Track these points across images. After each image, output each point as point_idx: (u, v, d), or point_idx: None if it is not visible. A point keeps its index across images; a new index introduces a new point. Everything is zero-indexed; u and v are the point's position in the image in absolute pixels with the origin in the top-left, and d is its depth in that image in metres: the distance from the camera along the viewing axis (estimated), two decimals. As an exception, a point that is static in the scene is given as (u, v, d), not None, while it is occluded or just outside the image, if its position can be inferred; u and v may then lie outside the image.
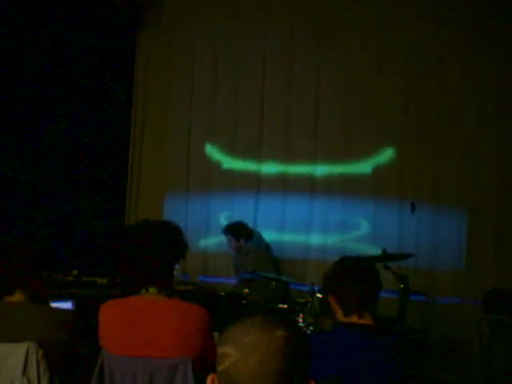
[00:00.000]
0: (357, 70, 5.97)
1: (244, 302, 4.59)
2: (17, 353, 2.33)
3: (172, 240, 2.50)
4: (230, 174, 6.47)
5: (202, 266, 6.46)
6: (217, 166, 6.57)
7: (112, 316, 2.46)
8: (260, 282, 5.28)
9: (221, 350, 1.28)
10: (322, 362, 2.18)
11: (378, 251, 4.82)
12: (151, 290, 2.46)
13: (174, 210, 6.58)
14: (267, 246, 5.92)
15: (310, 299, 4.32)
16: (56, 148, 6.34)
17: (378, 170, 5.89)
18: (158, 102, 6.85)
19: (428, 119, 5.72)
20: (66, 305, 3.15)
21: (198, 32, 6.67)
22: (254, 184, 6.34)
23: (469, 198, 5.55)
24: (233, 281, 5.95)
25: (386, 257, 4.58)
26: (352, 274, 2.34)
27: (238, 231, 5.76)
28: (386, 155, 5.88)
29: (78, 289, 4.92)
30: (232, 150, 6.47)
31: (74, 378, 2.49)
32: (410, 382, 2.20)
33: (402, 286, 4.50)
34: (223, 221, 6.32)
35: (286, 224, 6.18)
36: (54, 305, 2.79)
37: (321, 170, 6.12)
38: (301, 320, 4.14)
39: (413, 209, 4.97)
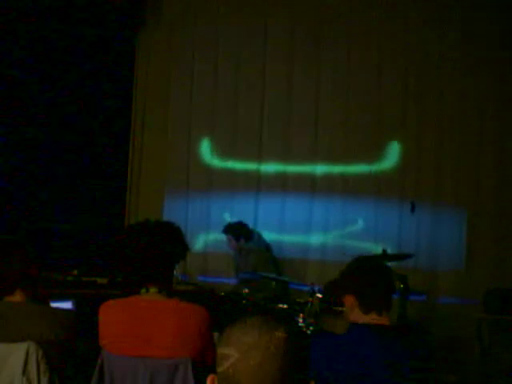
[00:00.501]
0: (357, 69, 5.97)
1: (244, 301, 4.59)
2: (17, 353, 2.33)
3: (172, 240, 2.50)
4: (230, 173, 6.47)
5: (201, 266, 6.46)
6: (217, 165, 6.56)
7: (112, 316, 2.46)
8: (260, 281, 5.28)
9: (221, 350, 1.28)
10: (340, 364, 2.18)
11: (378, 251, 4.82)
12: (151, 290, 2.46)
13: (174, 210, 6.57)
14: (267, 246, 5.92)
15: (310, 299, 4.32)
16: (56, 148, 6.34)
17: (377, 170, 5.89)
18: (157, 101, 6.85)
19: (428, 119, 5.72)
20: (66, 305, 3.15)
21: (198, 32, 6.66)
22: (254, 184, 6.34)
23: (469, 198, 5.55)
24: (233, 281, 5.95)
25: (386, 257, 4.58)
26: (374, 273, 2.36)
27: (237, 231, 5.75)
28: (386, 155, 5.88)
29: (78, 289, 4.92)
30: (232, 150, 6.47)
31: (73, 378, 2.49)
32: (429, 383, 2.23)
33: (401, 286, 4.51)
34: (224, 221, 6.31)
35: (286, 224, 6.18)
36: (54, 305, 2.79)
37: (321, 169, 6.12)
38: (301, 320, 4.14)
39: (413, 209, 4.97)
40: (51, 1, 6.16)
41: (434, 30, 5.72)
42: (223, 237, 5.89)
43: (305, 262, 6.08)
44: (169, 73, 6.79)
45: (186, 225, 6.27)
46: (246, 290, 4.70)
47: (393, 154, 5.87)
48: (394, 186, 5.82)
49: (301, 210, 6.12)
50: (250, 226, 5.92)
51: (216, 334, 2.50)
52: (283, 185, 6.23)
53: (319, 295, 4.35)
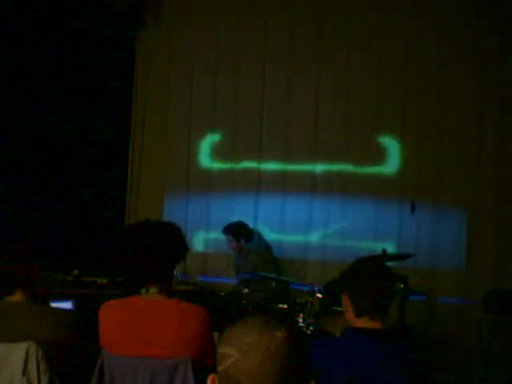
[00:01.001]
0: (357, 69, 5.97)
1: (244, 301, 4.59)
2: (17, 353, 2.33)
3: (173, 241, 2.50)
4: (230, 173, 6.47)
5: (202, 266, 6.46)
6: (217, 165, 6.56)
7: (112, 316, 2.46)
8: (260, 281, 5.28)
9: (221, 350, 1.28)
10: (335, 368, 2.18)
11: (378, 251, 4.82)
12: (151, 290, 2.46)
13: (174, 210, 6.57)
14: (267, 246, 5.92)
15: (310, 299, 4.32)
16: (56, 148, 6.34)
17: (378, 170, 5.89)
18: (158, 101, 6.85)
19: (428, 119, 5.72)
20: (66, 305, 3.15)
21: (198, 32, 6.67)
22: (254, 184, 6.33)
23: (469, 198, 5.54)
24: (233, 281, 5.95)
25: (385, 257, 4.58)
26: (370, 276, 2.33)
27: (237, 231, 5.75)
28: (386, 155, 5.88)
29: (78, 289, 4.92)
30: (232, 150, 6.47)
31: (74, 378, 2.49)
32: None
33: (401, 285, 4.50)
34: (224, 221, 6.31)
35: (286, 224, 6.18)
36: (54, 305, 2.79)
37: (321, 169, 6.11)
38: (301, 320, 4.14)
39: (413, 209, 4.96)
40: (51, 0, 6.16)
41: (433, 30, 5.72)
42: (223, 237, 5.89)
43: (305, 262, 6.08)
44: (169, 73, 6.79)
45: (185, 225, 6.27)
46: (246, 290, 4.70)
47: (393, 154, 5.87)
48: (394, 186, 5.82)
49: (301, 210, 6.12)
50: (250, 226, 5.92)
51: (216, 334, 2.50)
52: (283, 185, 6.23)
53: (319, 295, 4.36)
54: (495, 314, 4.92)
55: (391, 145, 5.87)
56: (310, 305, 4.30)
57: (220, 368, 1.27)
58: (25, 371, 2.32)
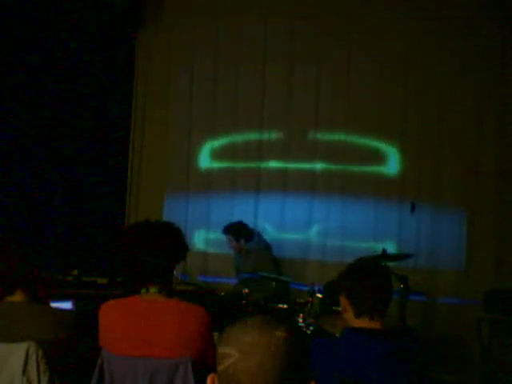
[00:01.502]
0: (357, 69, 5.97)
1: (244, 302, 4.59)
2: (17, 353, 2.33)
3: (173, 241, 2.50)
4: (230, 173, 6.47)
5: (202, 266, 6.46)
6: (217, 165, 6.57)
7: (112, 316, 2.46)
8: (260, 281, 5.28)
9: (221, 350, 1.28)
10: (335, 368, 2.18)
11: (378, 251, 4.82)
12: (151, 290, 2.46)
13: (174, 210, 6.58)
14: (267, 246, 5.92)
15: (310, 299, 4.32)
16: (56, 148, 6.34)
17: (378, 170, 5.89)
18: (157, 101, 6.85)
19: (428, 119, 5.71)
20: (66, 305, 3.15)
21: (198, 32, 6.67)
22: (254, 184, 6.34)
23: (469, 198, 5.54)
24: (233, 281, 5.95)
25: (386, 257, 4.58)
26: (368, 276, 2.32)
27: (237, 231, 5.75)
28: (386, 155, 5.88)
29: (78, 289, 4.92)
30: (232, 150, 6.47)
31: (73, 378, 2.49)
32: None
33: (401, 285, 4.50)
34: (224, 221, 6.31)
35: (286, 224, 6.18)
36: (54, 305, 2.79)
37: (321, 170, 6.11)
38: (301, 320, 4.14)
39: (413, 209, 4.97)
40: (51, 0, 6.16)
41: (433, 30, 5.71)
42: (223, 237, 5.89)
43: (305, 262, 6.08)
44: (169, 73, 6.80)
45: (185, 225, 6.27)
46: (246, 290, 4.70)
47: (393, 154, 5.87)
48: (394, 186, 5.82)
49: (301, 210, 6.12)
50: (250, 226, 5.92)
51: (216, 334, 2.50)
52: (283, 184, 6.23)
53: (319, 295, 4.36)
54: (495, 314, 4.92)
55: (391, 145, 5.87)
56: (309, 305, 4.30)
57: (220, 368, 1.27)
58: (25, 371, 2.32)
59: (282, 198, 6.21)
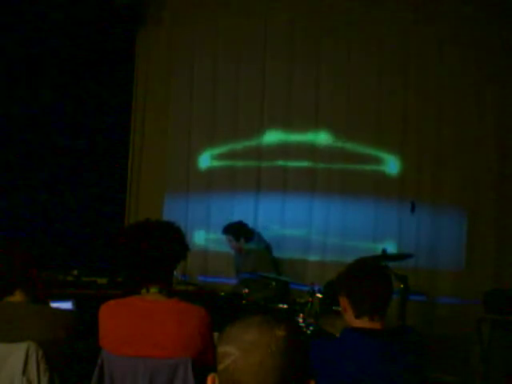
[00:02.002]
0: (357, 69, 5.97)
1: (244, 302, 4.59)
2: (17, 353, 2.33)
3: (173, 240, 2.50)
4: (230, 173, 6.47)
5: (202, 266, 6.46)
6: (217, 165, 6.57)
7: (112, 316, 2.46)
8: (260, 281, 5.28)
9: (221, 349, 1.28)
10: (334, 368, 2.18)
11: (377, 251, 4.82)
12: (152, 290, 2.46)
13: (174, 210, 6.58)
14: (267, 246, 5.92)
15: (310, 299, 4.32)
16: (56, 149, 6.34)
17: (378, 170, 5.89)
18: (157, 102, 6.85)
19: (428, 119, 5.71)
20: (66, 305, 3.15)
21: (198, 32, 6.67)
22: (254, 184, 6.34)
23: (469, 198, 5.54)
24: (233, 281, 5.95)
25: (386, 257, 4.58)
26: (368, 277, 2.31)
27: (237, 231, 5.75)
28: (386, 155, 5.88)
29: (78, 289, 4.92)
30: (232, 150, 6.47)
31: (73, 378, 2.49)
32: None
33: (402, 286, 4.51)
34: (224, 220, 6.31)
35: (286, 224, 6.18)
36: (54, 305, 2.79)
37: (321, 169, 6.11)
38: (301, 320, 4.14)
39: (413, 208, 4.96)
40: (51, 1, 6.16)
41: (433, 30, 5.71)
42: (223, 237, 5.89)
43: (305, 262, 6.08)
44: (169, 73, 6.80)
45: (185, 225, 6.27)
46: (246, 290, 4.70)
47: (393, 154, 5.86)
48: (394, 186, 5.82)
49: (301, 210, 6.12)
50: (250, 225, 5.92)
51: (216, 334, 2.50)
52: (283, 184, 6.23)
53: (319, 295, 4.36)
54: (495, 314, 4.92)
55: (391, 145, 5.86)
56: (309, 305, 4.30)
57: (220, 367, 1.27)
58: (25, 371, 2.32)
59: (282, 197, 6.21)
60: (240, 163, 6.43)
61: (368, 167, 5.91)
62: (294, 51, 6.24)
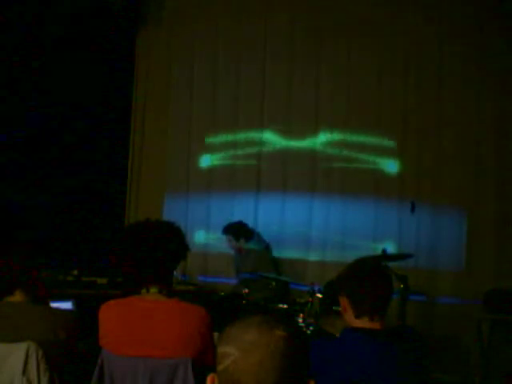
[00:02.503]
0: (357, 69, 5.97)
1: (244, 301, 4.59)
2: (17, 353, 2.33)
3: (174, 240, 2.50)
4: (230, 173, 6.47)
5: (201, 266, 6.46)
6: (217, 165, 6.57)
7: (112, 316, 2.46)
8: (260, 281, 5.28)
9: (221, 349, 1.28)
10: (334, 368, 2.18)
11: (377, 251, 4.81)
12: (152, 290, 2.46)
13: (174, 210, 6.58)
14: (267, 246, 5.92)
15: (310, 299, 4.32)
16: (56, 148, 6.34)
17: (377, 170, 5.89)
18: (157, 102, 6.85)
19: (428, 119, 5.71)
20: (66, 305, 3.15)
21: (198, 32, 6.67)
22: (254, 184, 6.34)
23: (469, 198, 5.54)
24: (233, 281, 5.95)
25: (385, 257, 4.58)
26: (368, 277, 2.31)
27: (237, 231, 5.75)
28: (386, 155, 5.88)
29: (78, 289, 4.92)
30: (232, 150, 6.47)
31: (73, 378, 2.49)
32: None
33: (402, 286, 4.50)
34: (224, 220, 6.31)
35: (286, 224, 6.18)
36: (54, 305, 2.79)
37: (321, 169, 6.11)
38: (301, 320, 4.14)
39: (413, 208, 4.96)
40: (51, 1, 6.16)
41: (434, 29, 5.71)
42: (223, 237, 5.89)
43: (305, 262, 6.08)
44: (169, 73, 6.80)
45: (185, 225, 6.26)
46: (246, 290, 4.70)
47: (393, 154, 5.86)
48: (394, 186, 5.82)
49: (301, 211, 6.12)
50: (250, 225, 5.92)
51: (216, 334, 2.50)
52: (283, 184, 6.23)
53: (319, 295, 4.36)
54: (495, 314, 4.92)
55: (391, 144, 5.86)
56: (309, 305, 4.30)
57: (220, 367, 1.27)
58: (25, 371, 2.32)
59: (282, 197, 6.21)
60: (240, 163, 6.43)
61: (368, 167, 5.91)
62: (294, 51, 6.24)
